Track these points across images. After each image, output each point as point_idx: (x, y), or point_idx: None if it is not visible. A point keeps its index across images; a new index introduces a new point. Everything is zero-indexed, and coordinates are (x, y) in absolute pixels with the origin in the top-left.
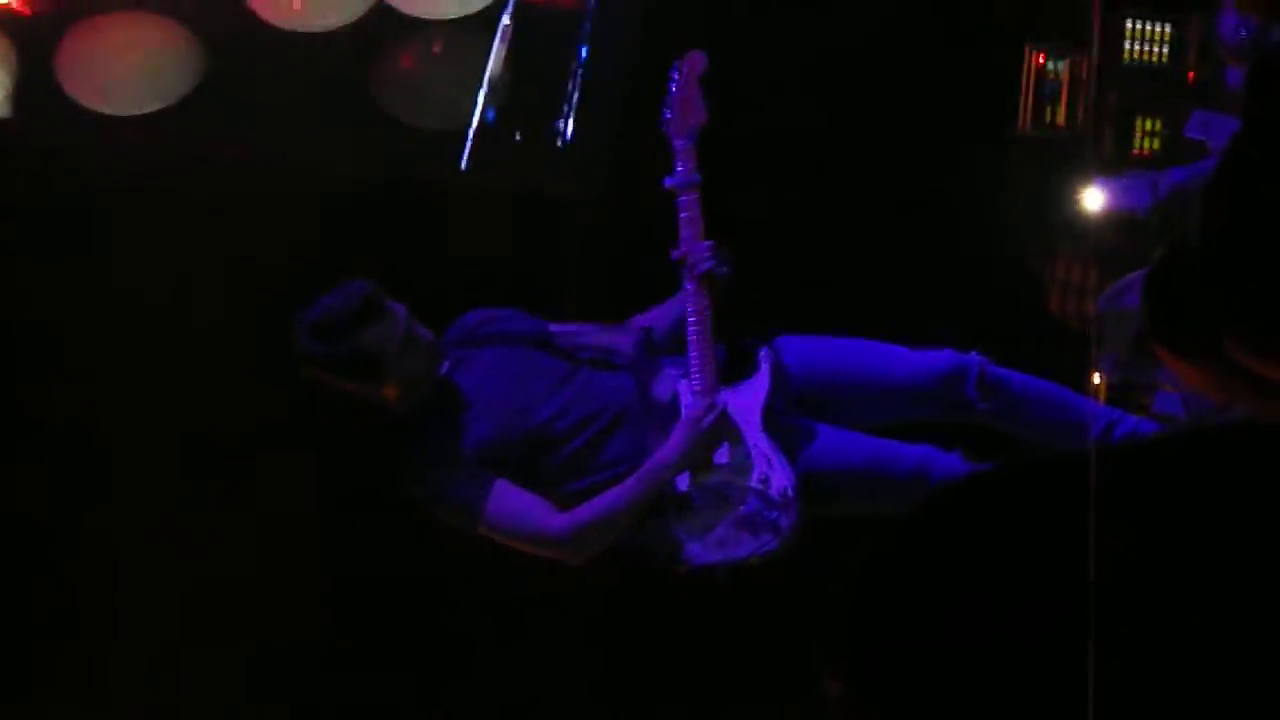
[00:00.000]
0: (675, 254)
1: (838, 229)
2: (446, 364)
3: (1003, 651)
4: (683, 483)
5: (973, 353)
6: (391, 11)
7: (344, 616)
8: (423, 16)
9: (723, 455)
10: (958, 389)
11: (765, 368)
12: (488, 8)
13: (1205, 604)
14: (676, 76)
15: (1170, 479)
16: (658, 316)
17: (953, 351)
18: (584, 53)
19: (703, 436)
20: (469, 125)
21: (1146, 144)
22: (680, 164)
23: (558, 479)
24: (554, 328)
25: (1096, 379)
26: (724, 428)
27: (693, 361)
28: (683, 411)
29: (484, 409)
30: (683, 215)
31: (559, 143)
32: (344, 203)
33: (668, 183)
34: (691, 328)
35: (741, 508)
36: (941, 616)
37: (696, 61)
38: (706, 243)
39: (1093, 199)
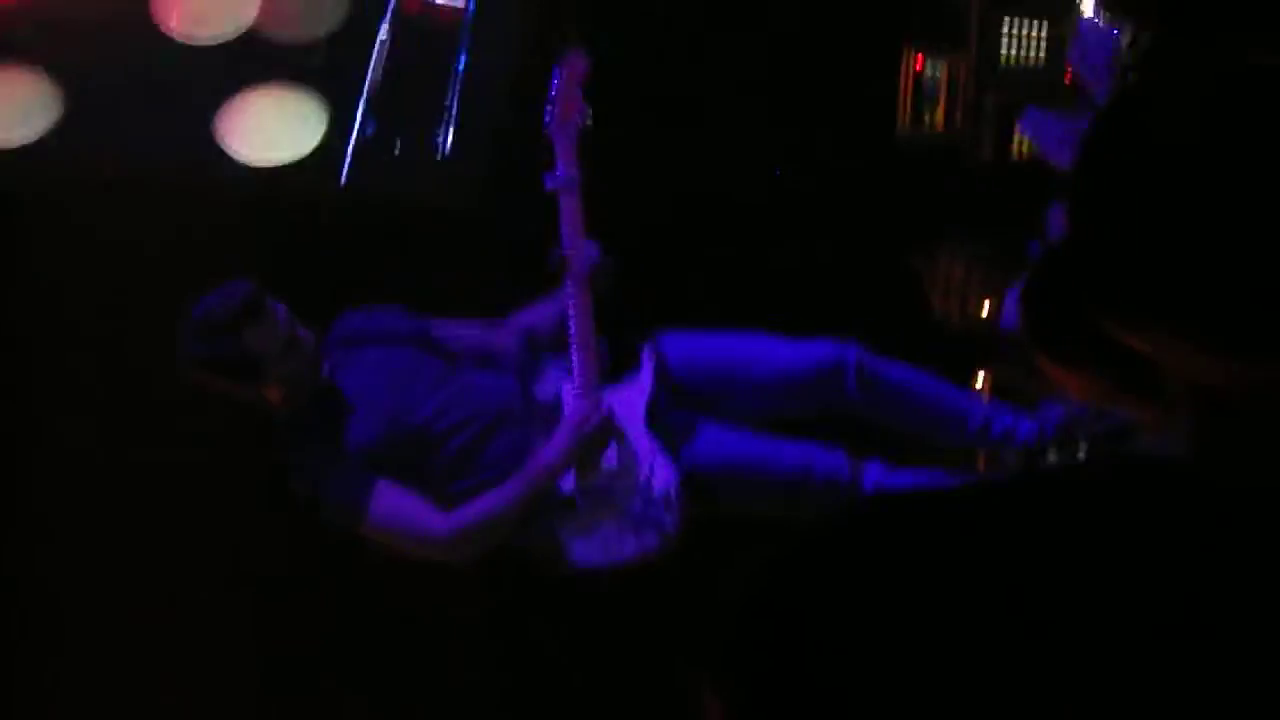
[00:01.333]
0: (556, 254)
1: (722, 228)
2: (328, 365)
3: (896, 685)
4: (566, 484)
5: (851, 342)
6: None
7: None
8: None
9: (609, 456)
10: (837, 380)
11: (648, 365)
12: (366, 19)
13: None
14: (557, 78)
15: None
16: (540, 315)
17: (831, 343)
18: (462, 63)
19: (587, 438)
20: (348, 139)
21: (1025, 147)
22: (561, 163)
23: (441, 479)
24: (436, 327)
25: (980, 379)
26: (609, 429)
27: (575, 361)
28: (565, 412)
29: (365, 410)
30: (564, 215)
31: (438, 154)
32: (224, 214)
33: (549, 183)
34: (573, 326)
35: (625, 508)
36: (837, 640)
37: (577, 62)
38: (588, 242)
39: (1028, 123)
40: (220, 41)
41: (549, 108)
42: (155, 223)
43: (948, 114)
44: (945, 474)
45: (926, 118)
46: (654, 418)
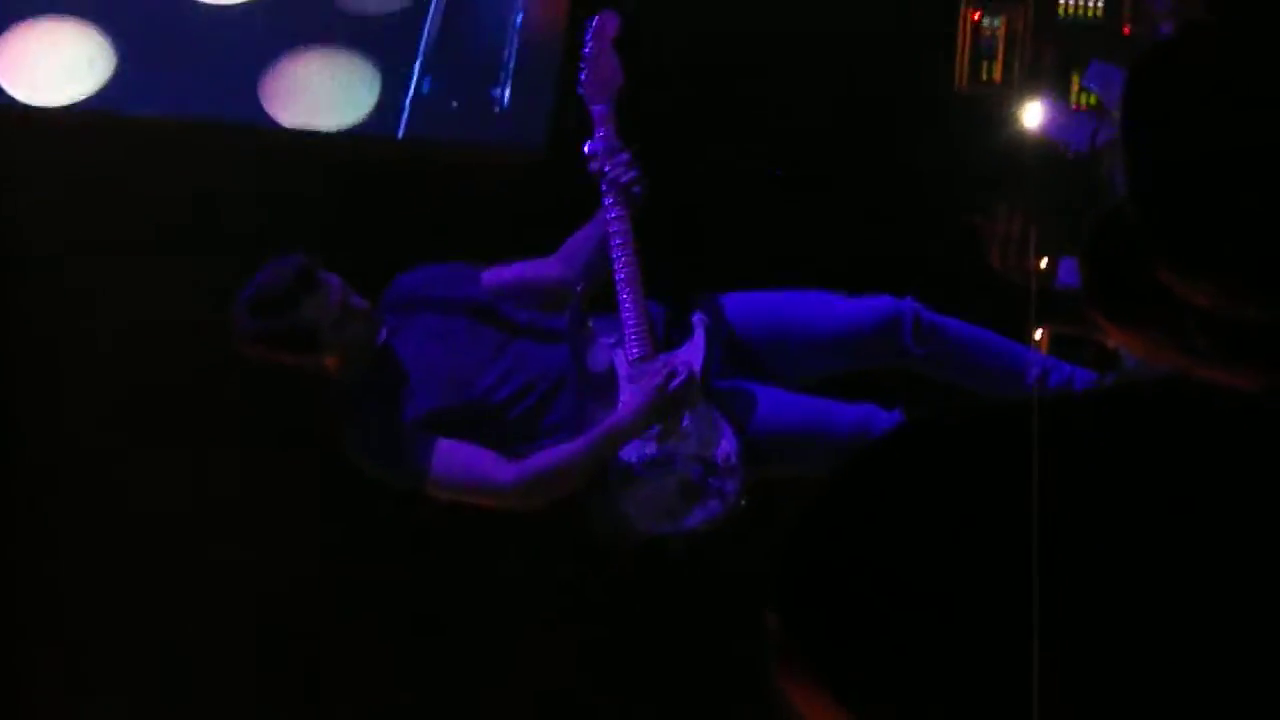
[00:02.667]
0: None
1: (775, 186)
2: (384, 331)
3: (935, 599)
4: (627, 453)
5: (908, 298)
6: None
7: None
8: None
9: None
10: (894, 335)
11: (700, 331)
12: None
13: (1146, 564)
14: (589, 39)
15: (1107, 433)
16: (584, 239)
17: (889, 297)
18: (519, 19)
19: (662, 400)
20: (406, 93)
21: (1083, 99)
22: (600, 130)
23: (504, 444)
24: (487, 279)
25: (1038, 333)
26: (689, 387)
27: (628, 328)
28: (620, 382)
29: (423, 378)
30: (604, 187)
31: (496, 109)
32: (282, 171)
33: (588, 148)
34: (621, 289)
35: (686, 476)
36: (876, 559)
37: (609, 22)
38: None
39: (1032, 116)
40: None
41: (582, 70)
42: (206, 180)
43: (1005, 67)
44: None
45: (984, 71)
46: (709, 383)
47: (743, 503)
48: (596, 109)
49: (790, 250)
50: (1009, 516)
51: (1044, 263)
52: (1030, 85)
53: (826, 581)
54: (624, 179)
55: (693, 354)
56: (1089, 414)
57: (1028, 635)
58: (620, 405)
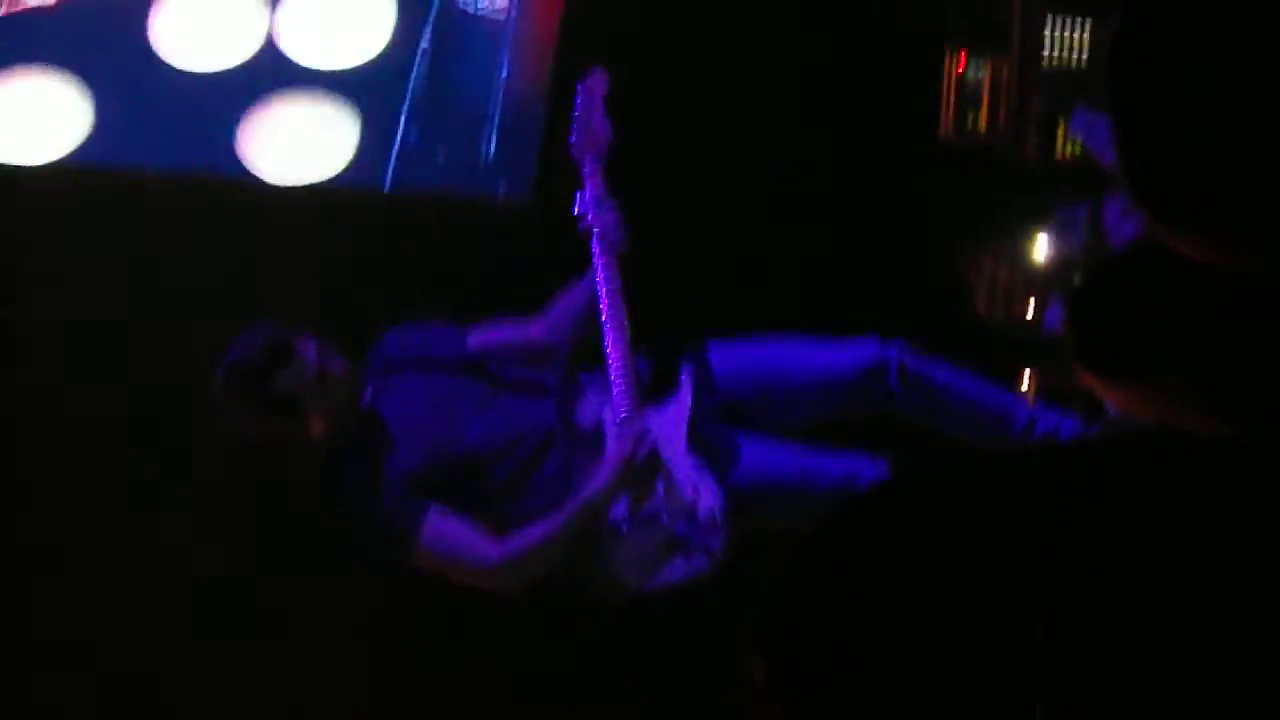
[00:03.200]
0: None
1: (764, 233)
2: (369, 392)
3: (918, 650)
4: (613, 512)
5: (895, 341)
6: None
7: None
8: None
9: (655, 483)
10: (879, 378)
11: (687, 385)
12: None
13: (1133, 614)
14: (580, 96)
15: (1090, 485)
16: (571, 300)
17: (874, 341)
18: (504, 72)
19: (634, 470)
20: (392, 146)
21: (1069, 148)
22: (589, 186)
23: (493, 502)
24: (471, 338)
25: (1025, 381)
26: (654, 460)
27: (615, 386)
28: (608, 439)
29: (408, 437)
30: (596, 247)
31: (482, 161)
32: (268, 224)
33: (578, 205)
34: (608, 346)
35: (671, 531)
36: (859, 611)
37: (599, 81)
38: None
39: (1078, 124)
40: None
41: (573, 128)
42: (189, 235)
43: (991, 116)
44: None
45: (970, 120)
46: (695, 437)
47: (728, 557)
48: (587, 166)
49: (779, 295)
50: (994, 569)
51: (1031, 309)
52: (1015, 134)
53: (810, 630)
54: (612, 235)
55: (679, 410)
56: (1072, 466)
57: (1012, 684)
58: (590, 478)
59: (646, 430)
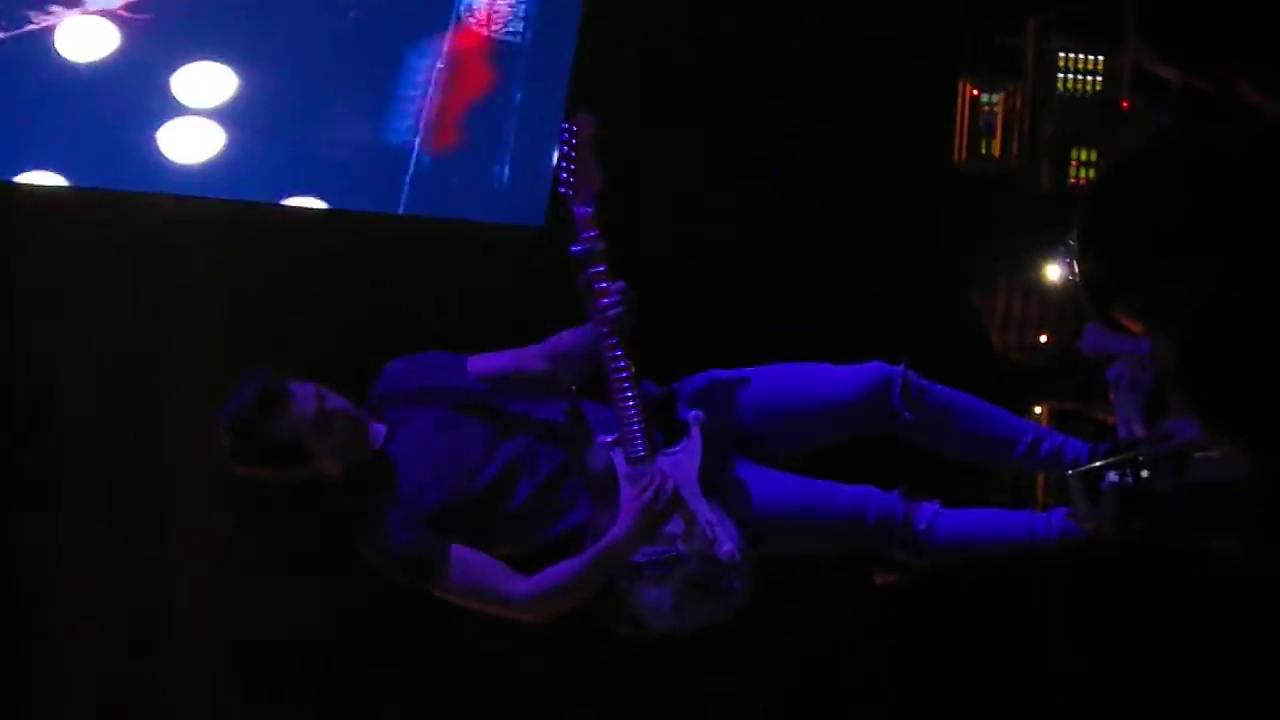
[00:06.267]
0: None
1: (773, 260)
2: (383, 430)
3: None
4: (635, 555)
5: (901, 364)
6: None
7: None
8: None
9: (674, 525)
10: (884, 399)
11: (696, 431)
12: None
13: None
14: (566, 140)
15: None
16: (571, 344)
17: (880, 363)
18: (519, 96)
19: (654, 516)
20: (407, 170)
21: (1083, 174)
22: (582, 232)
23: (510, 536)
24: (472, 364)
25: (1037, 412)
26: (673, 501)
27: (626, 430)
28: (620, 482)
29: (427, 474)
30: (592, 281)
31: (496, 185)
32: (282, 247)
33: (572, 251)
34: (615, 388)
35: (693, 574)
36: None
37: (585, 123)
38: (615, 296)
39: (1052, 274)
40: None
41: (562, 174)
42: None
43: (1004, 144)
44: (999, 513)
45: (983, 148)
46: (707, 478)
47: (750, 595)
48: (579, 211)
49: (789, 324)
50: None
51: (1044, 339)
52: (1028, 162)
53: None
54: (616, 311)
55: (689, 456)
56: (1070, 577)
57: None
58: (616, 523)
59: (662, 475)
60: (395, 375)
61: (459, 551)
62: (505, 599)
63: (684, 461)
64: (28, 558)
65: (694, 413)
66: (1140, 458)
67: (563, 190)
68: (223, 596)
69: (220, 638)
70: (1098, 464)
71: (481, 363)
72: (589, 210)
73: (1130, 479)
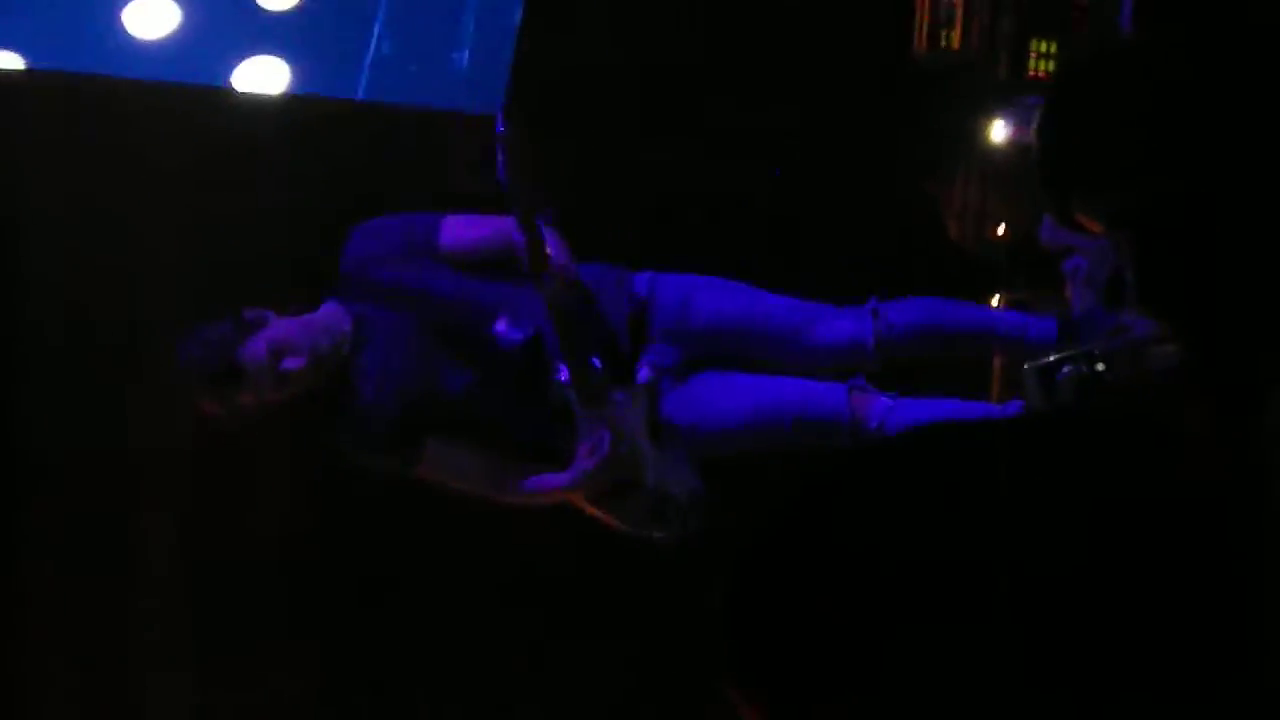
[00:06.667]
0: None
1: (736, 160)
2: (348, 327)
3: (881, 624)
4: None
5: (868, 308)
6: None
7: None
8: None
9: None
10: (857, 359)
11: (641, 395)
12: None
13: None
14: (500, 156)
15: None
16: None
17: (850, 319)
18: None
19: (598, 476)
20: (365, 56)
21: (1041, 66)
22: (551, 247)
23: (481, 432)
24: (445, 236)
25: (994, 303)
26: (619, 456)
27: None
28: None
29: (391, 387)
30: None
31: (455, 71)
32: (239, 131)
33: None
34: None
35: (651, 504)
36: (824, 582)
37: (515, 135)
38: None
39: (997, 130)
40: None
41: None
42: (164, 142)
43: (964, 35)
44: (955, 403)
45: (943, 39)
46: (656, 431)
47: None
48: (526, 232)
49: (754, 221)
50: (957, 540)
51: (1000, 230)
52: (988, 53)
53: (773, 606)
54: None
55: (636, 414)
56: (1029, 439)
57: (977, 661)
58: (569, 469)
59: (610, 432)
60: (363, 253)
61: (431, 448)
62: (482, 491)
63: (631, 413)
64: None
65: (644, 369)
66: (1096, 351)
67: (511, 210)
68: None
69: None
70: (1052, 358)
71: (455, 232)
72: (537, 226)
73: (1085, 371)
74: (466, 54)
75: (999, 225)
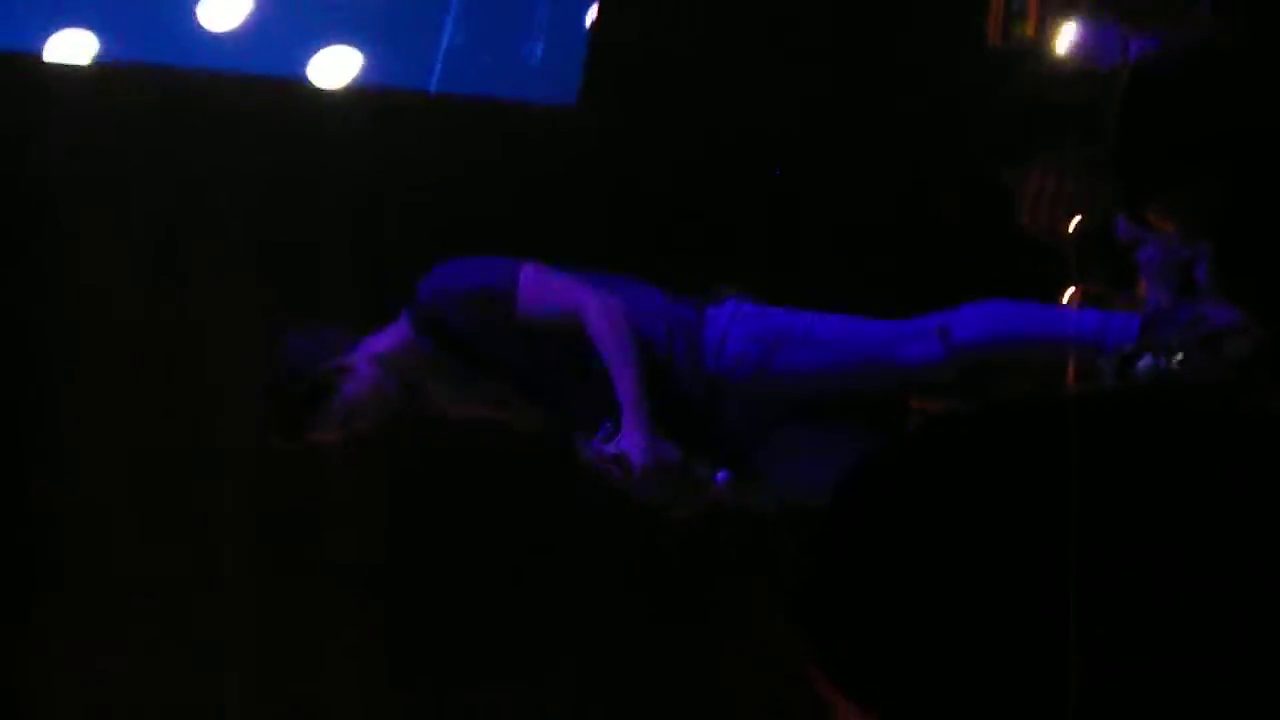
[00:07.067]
0: None
1: (805, 151)
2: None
3: (954, 605)
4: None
5: (934, 327)
6: None
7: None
8: None
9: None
10: (928, 381)
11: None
12: None
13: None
14: None
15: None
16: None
17: (916, 345)
18: None
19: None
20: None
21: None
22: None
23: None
24: (524, 289)
25: (1068, 296)
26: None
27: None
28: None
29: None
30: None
31: (528, 64)
32: (311, 125)
33: None
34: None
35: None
36: (895, 565)
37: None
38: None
39: (1064, 39)
40: None
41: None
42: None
43: (1039, 26)
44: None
45: (1017, 30)
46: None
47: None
48: None
49: (824, 211)
50: (1027, 517)
51: (1076, 222)
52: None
53: (846, 590)
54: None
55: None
56: (1106, 415)
57: (1049, 639)
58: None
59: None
60: (440, 293)
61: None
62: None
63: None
64: None
65: (721, 475)
66: (1174, 342)
67: None
68: None
69: None
70: (1130, 349)
71: (530, 297)
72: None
73: (1163, 363)
74: (540, 45)
75: (1074, 217)
